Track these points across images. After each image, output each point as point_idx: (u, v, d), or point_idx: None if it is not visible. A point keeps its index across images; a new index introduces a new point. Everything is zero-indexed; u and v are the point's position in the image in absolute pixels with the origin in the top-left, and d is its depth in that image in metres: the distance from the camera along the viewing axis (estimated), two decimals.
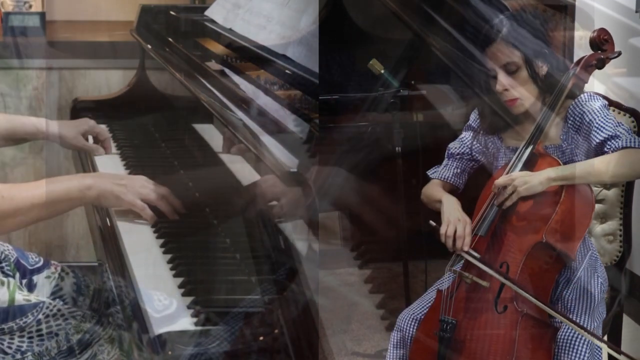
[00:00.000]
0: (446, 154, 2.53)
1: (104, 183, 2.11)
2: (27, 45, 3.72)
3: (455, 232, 2.26)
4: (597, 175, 2.24)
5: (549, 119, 2.30)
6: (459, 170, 2.50)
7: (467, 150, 2.49)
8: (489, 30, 2.31)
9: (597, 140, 2.23)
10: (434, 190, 2.48)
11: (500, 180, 2.27)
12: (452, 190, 2.48)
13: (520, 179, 2.24)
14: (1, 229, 2.02)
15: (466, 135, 2.50)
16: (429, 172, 2.54)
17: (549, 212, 2.22)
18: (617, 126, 2.23)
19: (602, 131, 2.23)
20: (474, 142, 2.48)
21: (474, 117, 2.50)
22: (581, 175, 2.22)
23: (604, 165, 2.21)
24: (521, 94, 2.31)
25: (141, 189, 2.15)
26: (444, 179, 2.50)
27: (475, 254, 2.25)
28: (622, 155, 2.20)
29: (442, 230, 2.28)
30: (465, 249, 2.25)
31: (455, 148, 2.51)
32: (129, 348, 2.04)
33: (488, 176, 2.40)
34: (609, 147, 2.21)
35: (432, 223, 2.30)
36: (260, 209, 1.98)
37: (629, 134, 2.22)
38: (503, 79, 2.30)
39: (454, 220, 2.29)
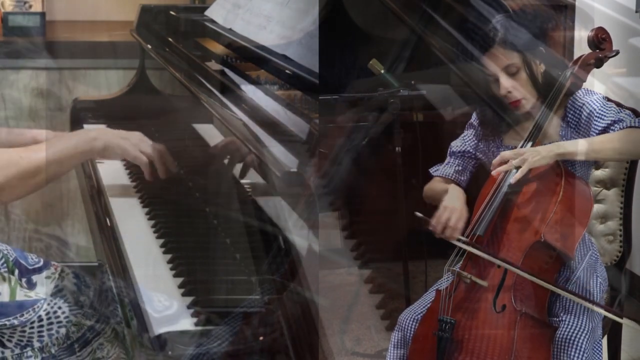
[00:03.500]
0: (448, 152, 2.53)
1: (107, 135, 2.15)
2: (27, 45, 3.72)
3: (448, 220, 2.25)
4: (601, 151, 2.23)
5: (547, 117, 2.31)
6: (460, 168, 2.50)
7: (469, 149, 2.49)
8: (486, 35, 2.31)
9: (600, 127, 2.24)
10: (437, 185, 2.48)
11: (508, 154, 2.27)
12: None
13: (532, 150, 2.24)
14: (25, 190, 2.03)
15: (468, 134, 2.50)
16: (431, 170, 2.54)
17: (547, 211, 2.22)
18: (619, 112, 2.26)
19: (603, 118, 2.24)
20: (476, 140, 2.49)
21: (475, 116, 2.50)
22: (586, 150, 2.22)
23: (608, 142, 2.22)
24: (523, 94, 2.31)
25: (141, 143, 2.19)
26: (446, 175, 2.50)
27: (464, 238, 2.24)
28: (627, 134, 2.21)
29: (438, 214, 2.26)
30: (454, 238, 2.24)
31: (457, 146, 2.51)
32: (132, 346, 2.04)
33: (487, 176, 2.41)
34: (613, 130, 2.22)
35: (418, 214, 2.27)
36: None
37: (632, 117, 2.24)
38: (505, 81, 2.30)
39: (450, 207, 2.28)
